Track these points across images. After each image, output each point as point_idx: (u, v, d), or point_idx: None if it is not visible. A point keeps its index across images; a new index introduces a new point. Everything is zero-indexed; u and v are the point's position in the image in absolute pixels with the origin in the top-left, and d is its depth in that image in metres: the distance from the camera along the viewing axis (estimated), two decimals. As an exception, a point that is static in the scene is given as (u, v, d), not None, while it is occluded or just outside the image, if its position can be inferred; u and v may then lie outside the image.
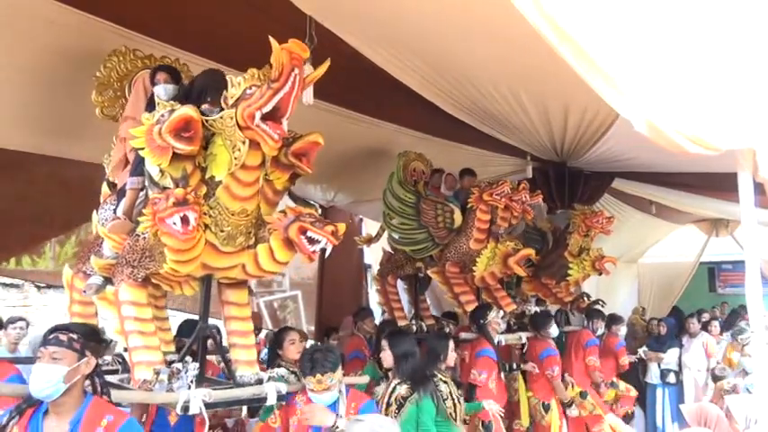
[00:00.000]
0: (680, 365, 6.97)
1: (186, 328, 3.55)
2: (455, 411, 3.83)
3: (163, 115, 2.48)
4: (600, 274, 5.57)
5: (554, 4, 1.73)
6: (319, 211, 2.76)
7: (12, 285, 8.77)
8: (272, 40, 2.31)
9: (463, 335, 4.81)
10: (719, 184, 4.91)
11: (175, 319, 5.79)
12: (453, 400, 3.82)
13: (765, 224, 4.51)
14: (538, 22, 1.76)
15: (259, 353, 5.82)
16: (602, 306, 6.47)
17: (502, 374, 4.66)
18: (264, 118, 2.41)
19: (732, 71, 2.01)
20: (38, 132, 3.84)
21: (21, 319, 5.35)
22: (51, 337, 2.15)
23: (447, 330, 4.91)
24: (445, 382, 3.88)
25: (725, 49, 1.99)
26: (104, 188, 3.24)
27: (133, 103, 3.11)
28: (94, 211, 3.20)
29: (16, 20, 2.99)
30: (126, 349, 2.76)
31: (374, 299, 6.13)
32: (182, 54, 3.40)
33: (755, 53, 2.01)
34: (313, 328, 7.24)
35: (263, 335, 6.51)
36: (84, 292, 2.97)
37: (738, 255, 8.46)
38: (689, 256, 9.62)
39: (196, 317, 2.99)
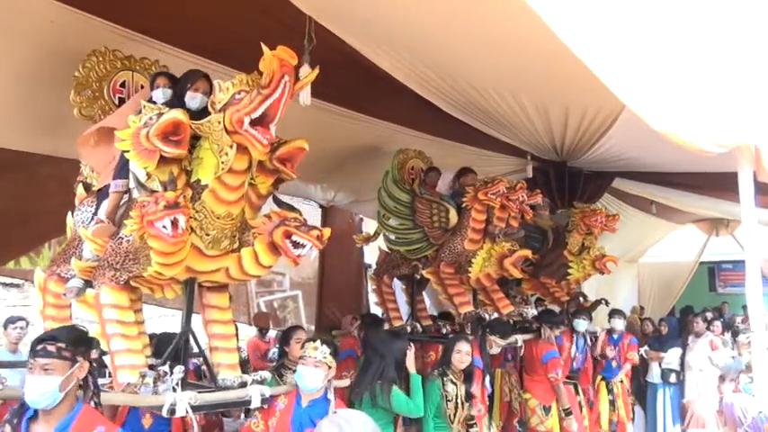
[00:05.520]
0: (682, 365, 6.96)
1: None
2: (455, 414, 3.85)
3: (151, 118, 2.48)
4: (601, 273, 5.51)
5: (572, 9, 1.73)
6: (303, 215, 2.76)
7: (12, 285, 8.77)
8: (263, 46, 2.32)
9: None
10: (720, 183, 4.91)
11: (175, 318, 5.80)
12: (457, 403, 3.85)
13: (766, 224, 4.51)
14: (556, 26, 1.76)
15: (268, 351, 5.85)
16: (606, 305, 6.48)
17: (487, 379, 4.61)
18: (253, 123, 2.43)
19: (735, 71, 2.01)
20: (38, 132, 3.83)
21: (20, 318, 5.35)
22: (39, 348, 2.12)
23: (444, 331, 4.89)
24: (454, 383, 3.90)
25: (728, 49, 1.99)
26: (80, 190, 3.20)
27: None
28: (69, 214, 3.17)
29: (15, 19, 2.99)
30: (105, 353, 2.72)
31: (374, 299, 6.12)
32: (182, 54, 3.40)
33: (757, 52, 2.01)
34: (313, 327, 7.23)
35: (272, 333, 6.56)
36: (65, 295, 2.94)
37: (738, 254, 8.46)
38: (689, 255, 9.64)
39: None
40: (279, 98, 2.41)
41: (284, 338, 3.88)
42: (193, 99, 2.78)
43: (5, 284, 8.74)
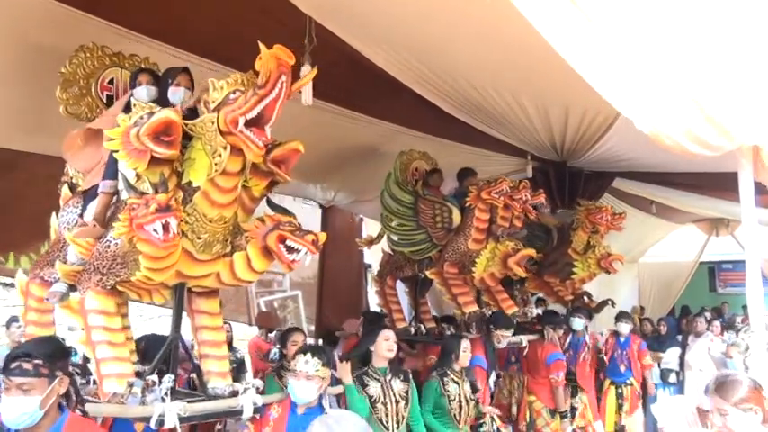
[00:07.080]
0: (681, 365, 6.95)
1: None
2: (460, 413, 3.85)
3: (142, 117, 2.40)
4: (607, 272, 5.44)
5: (555, 4, 1.74)
6: (297, 219, 2.69)
7: (12, 285, 8.75)
8: (261, 45, 2.27)
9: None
10: (720, 183, 4.91)
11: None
12: (461, 401, 3.84)
13: (766, 223, 4.51)
14: (538, 23, 1.76)
15: (269, 351, 5.85)
16: (613, 306, 6.40)
17: (491, 379, 4.58)
18: (248, 124, 2.35)
19: (732, 70, 2.01)
20: (37, 132, 3.83)
21: (24, 317, 5.34)
22: (14, 366, 1.96)
23: (447, 333, 4.88)
24: (456, 382, 3.90)
25: (725, 48, 1.99)
26: (65, 190, 3.11)
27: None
28: (53, 215, 3.08)
29: (15, 19, 2.99)
30: (87, 360, 2.62)
31: (374, 299, 6.12)
32: (181, 54, 3.39)
33: (755, 52, 2.01)
34: (313, 327, 7.23)
35: (273, 334, 6.55)
36: (47, 299, 2.84)
37: (738, 254, 8.46)
38: (689, 255, 9.64)
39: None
40: (275, 99, 2.33)
41: (282, 340, 3.89)
42: (175, 94, 2.73)
43: (5, 284, 8.72)
